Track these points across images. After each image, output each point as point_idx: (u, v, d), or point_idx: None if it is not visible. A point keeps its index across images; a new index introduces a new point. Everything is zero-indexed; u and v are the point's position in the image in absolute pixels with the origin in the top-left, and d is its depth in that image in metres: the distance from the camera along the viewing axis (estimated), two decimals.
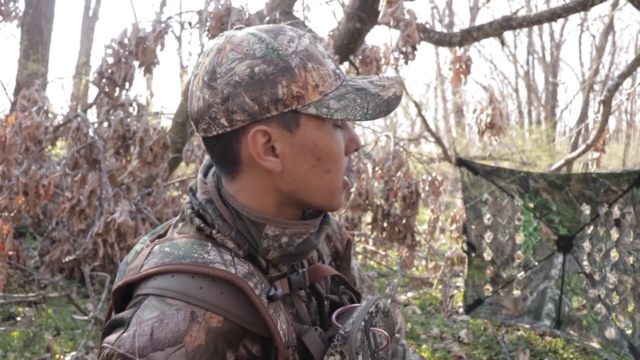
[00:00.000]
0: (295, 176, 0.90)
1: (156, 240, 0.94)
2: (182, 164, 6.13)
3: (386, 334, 0.97)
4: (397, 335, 1.18)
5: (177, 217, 1.00)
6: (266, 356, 0.88)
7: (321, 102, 0.86)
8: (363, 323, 0.92)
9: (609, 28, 17.47)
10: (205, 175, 0.98)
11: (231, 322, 0.83)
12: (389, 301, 3.63)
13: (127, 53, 3.91)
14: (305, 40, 0.89)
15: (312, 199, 0.92)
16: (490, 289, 3.86)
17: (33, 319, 3.89)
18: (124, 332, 0.80)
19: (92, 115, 5.67)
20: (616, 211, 3.08)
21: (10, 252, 3.44)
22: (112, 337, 0.80)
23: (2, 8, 4.39)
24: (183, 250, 0.88)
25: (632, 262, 2.99)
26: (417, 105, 13.63)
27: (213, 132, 0.88)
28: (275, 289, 0.88)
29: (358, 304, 0.99)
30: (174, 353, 0.77)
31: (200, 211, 0.93)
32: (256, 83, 0.85)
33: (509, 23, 4.38)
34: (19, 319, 3.92)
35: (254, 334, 0.86)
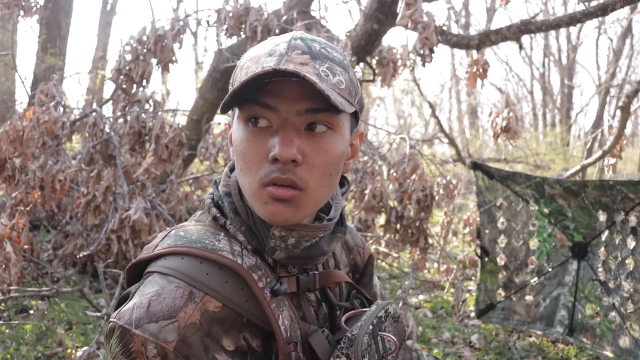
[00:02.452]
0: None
1: (174, 226, 0.97)
2: (196, 160, 6.15)
3: (395, 339, 0.97)
4: (408, 342, 1.18)
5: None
6: (267, 352, 0.89)
7: None
8: (371, 327, 0.92)
9: (627, 31, 17.32)
10: (231, 170, 1.01)
11: (230, 310, 0.85)
12: (400, 304, 3.63)
13: (145, 51, 3.92)
14: (274, 41, 0.91)
15: (247, 198, 0.93)
16: (503, 294, 3.84)
17: (46, 312, 3.92)
18: (125, 305, 0.83)
19: (107, 110, 5.70)
20: (633, 219, 3.05)
21: (25, 246, 3.47)
22: (115, 312, 0.84)
23: (23, 3, 4.43)
24: (196, 235, 0.91)
25: None
26: (431, 106, 13.62)
27: None
28: (280, 284, 0.90)
29: (367, 309, 0.99)
30: (167, 326, 0.79)
31: (219, 202, 0.96)
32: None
33: (528, 27, 4.35)
34: (31, 312, 3.95)
35: (256, 327, 0.87)
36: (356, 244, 1.18)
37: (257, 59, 0.88)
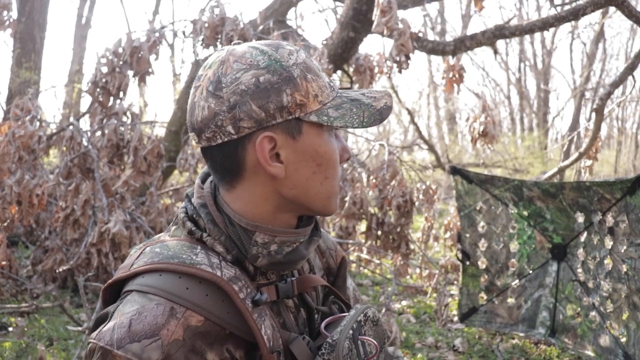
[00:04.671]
0: (297, 182, 0.92)
1: (147, 242, 0.97)
2: (176, 172, 6.12)
3: (375, 342, 0.98)
4: (390, 349, 1.19)
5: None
6: None
7: (321, 111, 0.91)
8: (351, 331, 0.94)
9: (600, 35, 17.60)
10: (203, 182, 1.01)
11: (212, 324, 0.85)
12: (383, 310, 3.64)
13: (121, 63, 3.91)
14: (302, 54, 0.94)
15: (312, 204, 0.95)
16: (485, 297, 3.86)
17: (25, 329, 3.85)
18: (105, 326, 0.82)
19: (85, 124, 5.65)
20: (610, 219, 3.09)
21: (3, 262, 3.42)
22: (95, 332, 0.82)
23: None
24: (172, 251, 0.90)
25: (625, 270, 3.00)
26: (409, 112, 13.68)
27: (218, 140, 0.90)
28: (261, 294, 0.90)
29: (347, 313, 1.00)
30: (149, 345, 0.78)
31: (194, 215, 0.96)
32: (262, 91, 0.88)
33: (502, 32, 4.41)
34: (11, 329, 3.88)
35: (238, 338, 0.87)
36: (328, 247, 1.20)
37: (315, 72, 0.93)
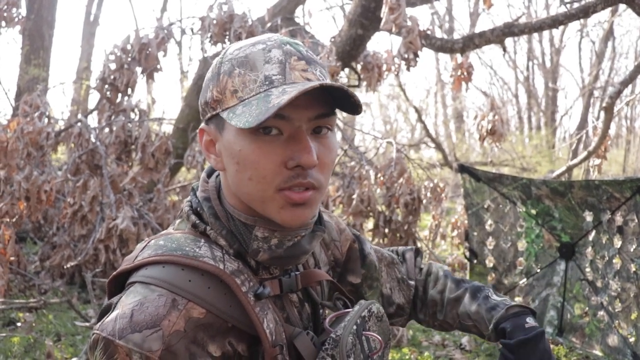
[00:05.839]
0: (230, 178, 0.92)
1: (153, 236, 0.97)
2: (183, 169, 6.13)
3: (380, 338, 0.98)
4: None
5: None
6: (253, 356, 0.89)
7: (233, 108, 0.87)
8: (355, 327, 0.93)
9: (609, 34, 17.49)
10: (209, 176, 1.02)
11: (214, 316, 0.85)
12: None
13: (129, 59, 3.92)
14: (258, 46, 0.90)
15: (251, 204, 0.92)
16: None
17: (33, 324, 3.87)
18: (107, 317, 0.83)
19: (93, 120, 5.67)
20: (619, 218, 3.07)
21: (12, 258, 3.44)
22: (98, 323, 0.83)
23: (5, 14, 4.41)
24: (176, 243, 0.90)
25: (635, 270, 2.99)
26: (417, 110, 13.66)
27: None
28: (263, 287, 0.90)
29: (351, 309, 1.00)
30: (150, 335, 0.79)
31: (198, 209, 0.96)
32: (203, 88, 0.94)
33: (511, 30, 4.38)
34: (19, 324, 3.90)
35: (240, 331, 0.87)
36: (333, 238, 1.18)
37: (251, 66, 0.87)
